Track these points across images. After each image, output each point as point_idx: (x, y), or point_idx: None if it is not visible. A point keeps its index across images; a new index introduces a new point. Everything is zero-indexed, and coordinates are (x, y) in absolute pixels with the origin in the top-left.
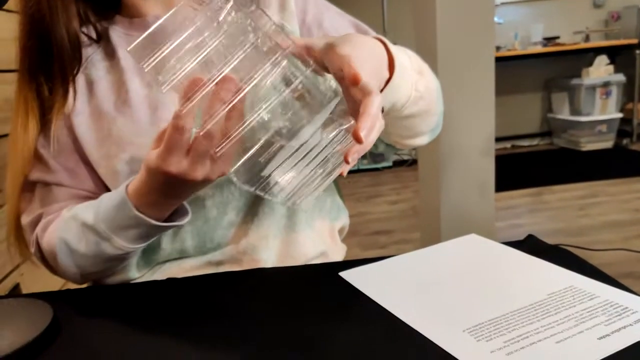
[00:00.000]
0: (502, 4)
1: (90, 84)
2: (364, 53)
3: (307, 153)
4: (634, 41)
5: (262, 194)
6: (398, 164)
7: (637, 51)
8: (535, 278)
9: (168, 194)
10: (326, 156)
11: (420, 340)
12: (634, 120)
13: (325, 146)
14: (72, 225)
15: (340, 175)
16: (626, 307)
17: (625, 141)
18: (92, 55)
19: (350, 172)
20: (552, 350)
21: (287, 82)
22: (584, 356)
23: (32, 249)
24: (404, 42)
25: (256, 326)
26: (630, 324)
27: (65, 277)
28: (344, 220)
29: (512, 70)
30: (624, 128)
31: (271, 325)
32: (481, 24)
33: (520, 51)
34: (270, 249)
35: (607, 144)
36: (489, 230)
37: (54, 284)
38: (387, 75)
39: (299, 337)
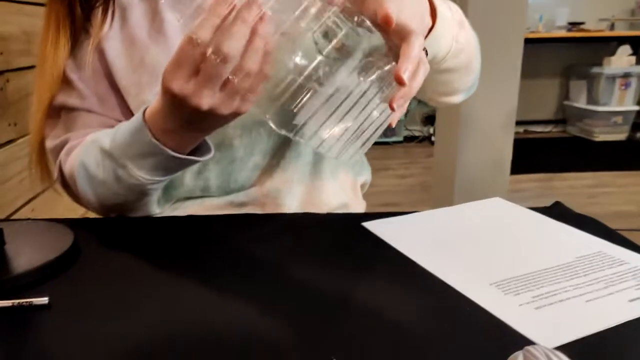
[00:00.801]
0: None
1: (123, 10)
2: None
3: (345, 99)
4: None
5: (302, 141)
6: (409, 139)
7: None
8: (563, 241)
9: (183, 119)
10: (368, 103)
11: (447, 290)
12: None
13: (366, 92)
14: (91, 150)
15: (389, 126)
16: None
17: (639, 134)
18: None
19: None
20: (582, 308)
21: (324, 29)
22: (614, 316)
23: (56, 174)
24: None
25: (276, 271)
26: None
27: (86, 205)
28: (366, 176)
29: (532, 53)
30: (639, 121)
31: (291, 271)
32: (514, 3)
33: (543, 34)
34: (293, 194)
35: (621, 135)
36: None
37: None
38: (429, 22)
39: (321, 285)
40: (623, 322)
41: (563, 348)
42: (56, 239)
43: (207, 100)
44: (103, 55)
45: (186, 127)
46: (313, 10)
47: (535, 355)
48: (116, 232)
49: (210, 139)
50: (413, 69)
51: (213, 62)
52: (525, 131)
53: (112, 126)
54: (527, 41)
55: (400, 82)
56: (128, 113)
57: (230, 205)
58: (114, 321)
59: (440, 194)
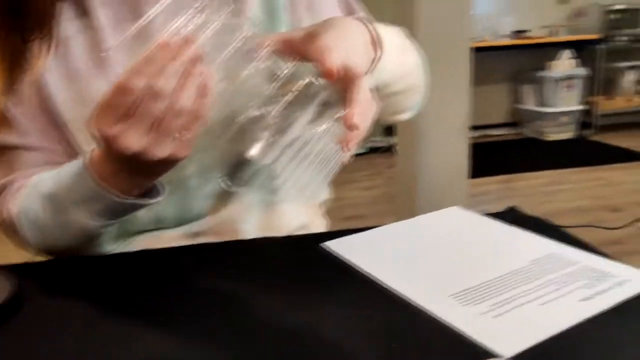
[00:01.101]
0: None
1: (63, 42)
2: (346, 38)
3: (295, 143)
4: (596, 36)
5: (253, 192)
6: (372, 150)
7: (599, 46)
8: (517, 246)
9: (120, 162)
10: (321, 145)
11: (407, 306)
12: (594, 113)
13: (317, 136)
14: (34, 194)
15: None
16: (605, 272)
17: (586, 132)
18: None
19: None
20: (537, 312)
21: (271, 78)
22: (567, 316)
23: None
24: None
25: (237, 300)
26: (611, 287)
27: (30, 250)
28: (325, 194)
29: (482, 61)
30: (585, 120)
31: (253, 298)
32: (459, 12)
33: (490, 42)
34: (250, 220)
35: (569, 134)
36: None
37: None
38: (372, 54)
39: (281, 309)
40: (576, 323)
41: (521, 356)
42: None
43: (135, 141)
44: (43, 88)
45: (127, 170)
46: (258, 53)
47: None
48: (63, 274)
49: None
50: (363, 111)
51: (143, 100)
52: (482, 135)
53: (58, 163)
54: (477, 50)
55: (350, 128)
56: (74, 148)
57: (186, 235)
58: None
59: (404, 203)
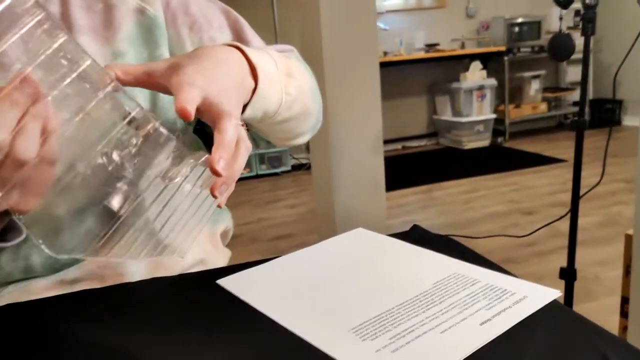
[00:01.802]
0: (387, 12)
1: None
2: (214, 72)
3: (165, 197)
4: (502, 48)
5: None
6: (296, 167)
7: (505, 57)
8: (420, 268)
9: None
10: (190, 196)
11: (304, 346)
12: (505, 120)
13: (184, 185)
14: None
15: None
16: (505, 290)
17: (499, 139)
18: None
19: (247, 177)
20: (437, 341)
21: (121, 118)
22: (467, 343)
23: None
24: (295, 44)
25: (122, 350)
26: (510, 306)
27: None
28: (226, 222)
29: (398, 74)
30: (498, 127)
31: (140, 347)
32: (365, 29)
33: (405, 56)
34: (138, 260)
35: (485, 142)
36: (382, 227)
37: None
38: (251, 84)
39: (171, 354)
40: (476, 348)
41: None
42: None
43: None
44: None
45: None
46: (102, 87)
47: None
48: None
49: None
50: (229, 155)
51: None
52: (403, 147)
53: None
54: (392, 64)
55: (216, 174)
56: None
57: (61, 284)
58: None
59: (324, 221)
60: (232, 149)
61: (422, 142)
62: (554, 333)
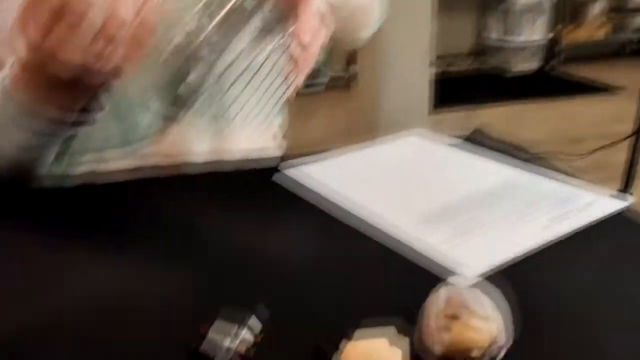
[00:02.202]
0: None
1: None
2: None
3: (247, 70)
4: None
5: (214, 121)
6: (330, 84)
7: None
8: (483, 169)
9: (52, 80)
10: (270, 72)
11: (369, 230)
12: (560, 44)
13: (265, 62)
14: None
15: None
16: (570, 196)
17: (551, 64)
18: None
19: None
20: (502, 234)
21: None
22: (530, 239)
23: None
24: None
25: (184, 228)
26: (576, 210)
27: None
28: (281, 118)
29: None
30: (551, 51)
31: (201, 227)
32: None
33: None
34: (201, 143)
35: (534, 65)
36: None
37: None
38: None
39: (235, 235)
40: (537, 247)
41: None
42: None
43: (76, 54)
44: None
45: (63, 86)
46: None
47: (457, 289)
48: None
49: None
50: (312, 30)
51: (78, 7)
52: (445, 66)
53: None
54: None
55: (300, 44)
56: None
57: (131, 157)
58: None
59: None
60: (315, 25)
61: (466, 62)
62: (618, 241)
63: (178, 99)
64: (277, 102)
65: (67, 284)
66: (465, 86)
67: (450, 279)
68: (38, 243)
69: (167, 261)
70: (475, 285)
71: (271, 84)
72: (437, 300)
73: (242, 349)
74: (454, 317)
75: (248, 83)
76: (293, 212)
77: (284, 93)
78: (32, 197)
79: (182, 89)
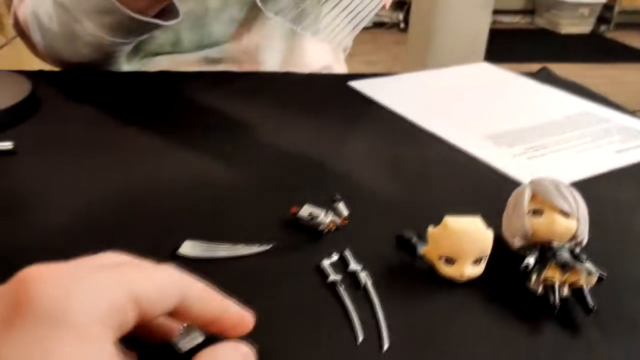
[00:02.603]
0: None
1: None
2: None
3: None
4: None
5: (295, 26)
6: (377, 25)
7: None
8: (550, 101)
9: None
10: None
11: (441, 143)
12: (615, 8)
13: None
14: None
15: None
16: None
17: (603, 28)
18: None
19: None
20: (573, 158)
21: None
22: (602, 164)
23: (11, 20)
24: None
25: (255, 127)
26: None
27: (43, 57)
28: (348, 40)
29: None
30: (604, 15)
31: (270, 126)
32: None
33: None
34: (273, 51)
35: (586, 28)
36: None
37: None
38: None
39: (307, 138)
40: (612, 169)
41: None
42: (14, 87)
43: None
44: None
45: None
46: None
47: (543, 184)
48: (78, 84)
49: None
50: None
51: None
52: (493, 21)
53: None
54: None
55: None
56: None
57: (204, 61)
58: (82, 166)
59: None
60: None
61: (516, 19)
62: None
63: (255, 7)
64: (359, 22)
65: (115, 159)
66: (515, 42)
67: (535, 179)
68: (95, 120)
69: (244, 158)
70: (560, 185)
71: (356, 3)
72: (522, 196)
73: (332, 226)
74: (537, 212)
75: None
76: (366, 117)
77: (370, 12)
78: (102, 79)
79: None
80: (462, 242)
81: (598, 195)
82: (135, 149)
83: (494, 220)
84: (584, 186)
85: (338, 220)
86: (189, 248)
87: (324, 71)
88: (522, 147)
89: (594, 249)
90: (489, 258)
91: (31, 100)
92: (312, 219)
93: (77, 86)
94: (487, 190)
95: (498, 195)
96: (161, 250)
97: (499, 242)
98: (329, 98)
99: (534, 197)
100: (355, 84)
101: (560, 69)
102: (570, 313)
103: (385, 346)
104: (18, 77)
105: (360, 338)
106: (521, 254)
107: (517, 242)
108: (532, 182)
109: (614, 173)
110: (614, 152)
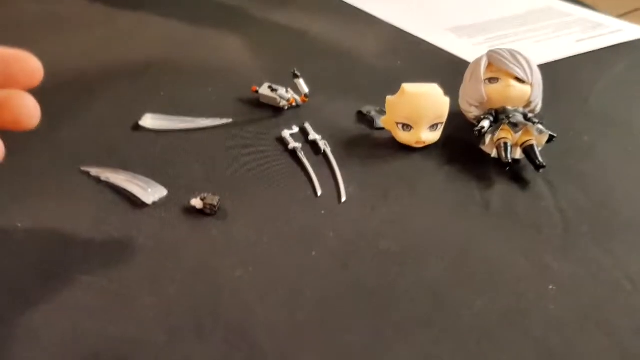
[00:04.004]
0: None
1: None
2: None
3: None
4: None
5: None
6: None
7: None
8: None
9: None
10: None
11: (403, 35)
12: None
13: None
14: None
15: None
16: (600, 23)
17: None
18: None
19: None
20: (533, 47)
21: None
22: (562, 51)
23: None
24: None
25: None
26: (603, 34)
27: None
28: None
29: None
30: None
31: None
32: None
33: None
34: None
35: None
36: None
37: None
38: None
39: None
40: (571, 56)
41: None
42: None
43: None
44: None
45: None
46: None
47: (499, 52)
48: None
49: None
50: None
51: None
52: None
53: None
54: None
55: None
56: None
57: None
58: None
59: None
60: None
61: None
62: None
63: None
64: None
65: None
66: None
67: (491, 50)
68: None
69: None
70: (515, 53)
71: None
72: (479, 64)
73: (292, 102)
74: (493, 80)
75: None
76: (326, 8)
77: None
78: None
79: None
80: (419, 106)
81: (557, 78)
82: (109, 24)
83: (452, 96)
84: (544, 69)
85: (298, 98)
86: (149, 120)
87: None
88: (483, 38)
89: (549, 120)
90: (445, 128)
91: None
92: (273, 92)
93: None
94: (446, 72)
95: (456, 77)
96: (124, 122)
97: (457, 115)
98: None
99: (490, 66)
100: None
101: None
102: (521, 171)
103: (343, 199)
104: None
105: (320, 192)
106: (477, 125)
107: (473, 112)
108: (488, 52)
109: (573, 59)
110: (574, 41)
